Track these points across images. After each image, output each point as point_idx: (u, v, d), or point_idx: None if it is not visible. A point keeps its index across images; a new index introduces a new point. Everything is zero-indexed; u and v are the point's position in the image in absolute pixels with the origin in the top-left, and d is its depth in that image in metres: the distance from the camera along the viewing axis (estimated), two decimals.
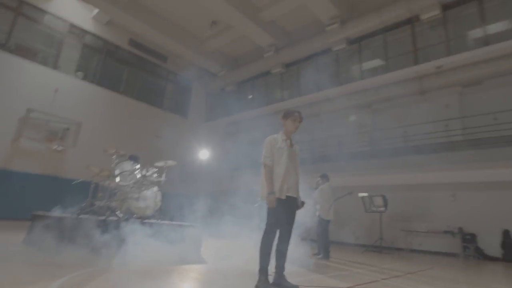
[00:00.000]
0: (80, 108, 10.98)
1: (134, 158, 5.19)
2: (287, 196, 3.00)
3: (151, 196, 4.98)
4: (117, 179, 4.79)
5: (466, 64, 8.94)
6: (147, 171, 5.00)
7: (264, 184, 3.03)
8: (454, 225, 8.68)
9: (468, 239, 8.26)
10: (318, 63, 12.03)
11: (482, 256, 8.01)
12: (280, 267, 3.01)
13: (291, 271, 3.64)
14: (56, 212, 4.70)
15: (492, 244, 8.12)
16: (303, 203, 3.20)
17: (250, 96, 14.43)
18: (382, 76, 10.11)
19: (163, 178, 5.36)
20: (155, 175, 5.20)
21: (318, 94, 11.50)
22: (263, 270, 2.86)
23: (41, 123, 9.92)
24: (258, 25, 11.61)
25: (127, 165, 4.90)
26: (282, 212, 2.97)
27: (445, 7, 9.24)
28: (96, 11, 11.63)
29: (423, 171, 8.29)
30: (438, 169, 8.12)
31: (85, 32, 11.84)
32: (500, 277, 5.60)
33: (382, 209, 8.02)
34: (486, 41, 8.60)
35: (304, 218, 5.43)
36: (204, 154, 13.43)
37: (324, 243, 5.64)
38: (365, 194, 8.62)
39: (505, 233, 7.97)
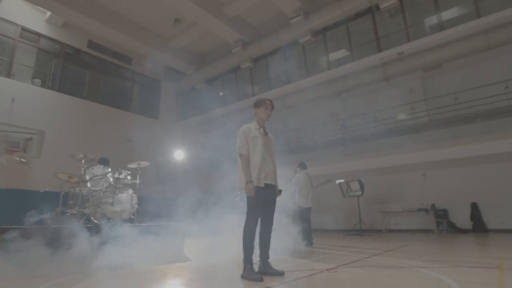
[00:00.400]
0: (41, 116, 10.31)
1: (104, 162, 4.96)
2: (265, 184, 2.99)
3: (126, 199, 4.79)
4: (89, 184, 4.55)
5: (425, 49, 9.36)
6: (120, 174, 4.80)
7: (241, 174, 3.01)
8: (427, 202, 9.13)
9: (441, 215, 8.72)
10: (286, 55, 12.12)
11: (455, 230, 8.48)
12: (264, 255, 3.00)
13: (276, 258, 3.65)
14: (25, 224, 4.38)
15: (462, 218, 8.63)
16: (280, 191, 3.20)
17: (221, 93, 14.30)
18: (348, 65, 10.36)
19: (137, 180, 5.18)
20: (129, 177, 5.00)
21: (288, 86, 11.61)
22: (248, 259, 2.84)
23: (0, 135, 9.23)
24: (223, 21, 11.48)
25: (98, 169, 4.68)
26: (262, 200, 2.96)
27: None
28: (49, 13, 10.96)
29: (394, 153, 8.62)
30: (408, 151, 8.48)
31: (39, 35, 11.14)
32: (470, 245, 5.96)
33: (359, 193, 8.26)
34: (441, 26, 9.05)
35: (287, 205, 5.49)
36: (179, 154, 13.14)
37: (305, 230, 5.70)
38: (341, 181, 8.83)
39: (473, 205, 8.49)
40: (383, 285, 2.54)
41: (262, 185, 2.96)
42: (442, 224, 8.59)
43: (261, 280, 2.67)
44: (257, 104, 3.25)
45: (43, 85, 11.06)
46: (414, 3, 9.79)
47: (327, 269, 3.24)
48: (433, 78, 9.76)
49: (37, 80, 10.95)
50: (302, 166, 6.15)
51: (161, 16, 11.86)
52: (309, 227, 5.86)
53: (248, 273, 2.76)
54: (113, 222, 4.23)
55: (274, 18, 11.66)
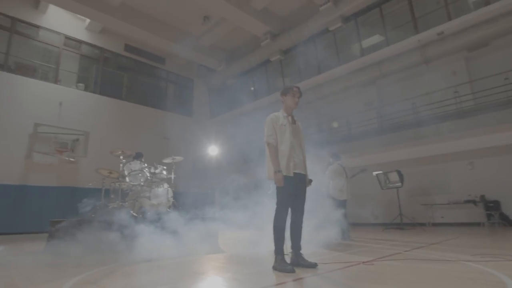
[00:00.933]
0: (85, 118, 11.04)
1: (138, 156, 5.18)
2: (294, 173, 2.91)
3: (163, 193, 4.97)
4: (127, 179, 4.78)
5: (469, 26, 8.61)
6: (156, 169, 4.98)
7: (270, 164, 2.95)
8: (475, 193, 8.46)
9: (492, 207, 8.03)
10: (316, 45, 11.82)
11: (508, 222, 7.78)
12: (296, 246, 2.95)
13: (309, 251, 3.58)
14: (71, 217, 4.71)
15: None
16: (310, 181, 3.11)
17: (252, 88, 14.33)
18: (383, 50, 9.86)
19: (172, 174, 5.34)
20: (164, 172, 5.18)
21: (320, 76, 11.33)
22: (279, 250, 2.80)
23: (50, 136, 10.04)
24: (250, 14, 11.41)
25: (135, 165, 4.89)
26: (291, 190, 2.88)
27: None
28: (88, 20, 11.63)
29: (436, 141, 8.08)
30: (452, 138, 7.90)
31: (80, 42, 11.88)
32: None
33: (399, 184, 7.85)
34: (487, 0, 8.26)
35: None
36: (213, 150, 13.42)
37: (341, 223, 5.53)
38: (379, 172, 8.46)
39: None
40: (424, 278, 2.38)
41: (291, 175, 2.88)
42: (494, 217, 7.91)
43: (293, 271, 2.62)
44: (284, 92, 3.17)
45: (86, 89, 11.81)
46: None
47: (363, 262, 3.11)
48: (479, 58, 8.97)
49: (80, 84, 11.72)
50: (335, 156, 5.97)
51: (191, 15, 12.07)
52: (345, 220, 5.68)
53: (279, 264, 2.72)
54: (150, 215, 4.41)
55: (303, 7, 11.36)
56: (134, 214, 4.50)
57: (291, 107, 3.15)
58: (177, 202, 5.05)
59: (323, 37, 11.71)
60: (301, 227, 3.01)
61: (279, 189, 2.88)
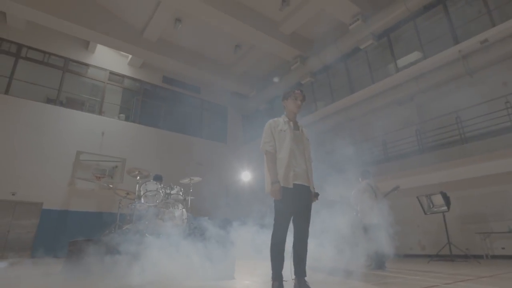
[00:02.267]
0: (125, 146, 11.68)
1: (157, 178, 5.18)
2: (294, 185, 2.56)
3: (178, 215, 4.86)
4: (142, 200, 4.76)
5: None
6: (171, 189, 4.93)
7: (267, 174, 2.67)
8: None
9: None
10: (348, 64, 11.52)
11: None
12: (299, 272, 2.56)
13: (319, 279, 3.15)
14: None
15: None
16: (317, 195, 2.75)
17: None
18: (420, 64, 9.25)
19: (189, 196, 5.24)
20: (181, 193, 5.10)
21: (352, 96, 10.88)
22: (276, 275, 2.45)
23: (92, 164, 10.71)
24: (280, 40, 11.58)
25: (151, 185, 4.88)
26: (291, 204, 2.53)
27: None
28: (130, 56, 12.64)
29: (487, 159, 7.11)
30: (507, 155, 6.90)
31: (123, 77, 12.89)
32: None
33: (444, 208, 6.93)
34: None
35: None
36: (246, 175, 13.30)
37: (371, 251, 4.92)
38: (422, 195, 7.60)
39: None
40: None
41: (291, 186, 2.55)
42: None
43: None
44: (285, 96, 2.95)
45: (127, 119, 12.61)
46: None
47: None
48: None
49: (122, 115, 12.56)
50: (365, 175, 5.45)
51: (223, 45, 12.58)
52: (377, 247, 5.05)
53: None
54: (163, 237, 4.29)
55: (332, 28, 11.25)
56: (147, 235, 4.41)
57: (293, 112, 2.90)
58: (193, 225, 4.88)
59: (355, 57, 11.42)
60: (305, 249, 2.63)
61: (276, 203, 2.55)
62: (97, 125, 11.50)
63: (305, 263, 2.60)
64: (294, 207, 2.57)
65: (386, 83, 10.19)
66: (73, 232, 9.78)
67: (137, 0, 10.40)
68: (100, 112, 12.01)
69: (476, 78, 8.75)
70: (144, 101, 13.33)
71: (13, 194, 9.46)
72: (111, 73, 12.60)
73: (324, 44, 11.55)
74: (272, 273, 2.47)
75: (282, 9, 10.52)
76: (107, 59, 12.50)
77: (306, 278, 2.56)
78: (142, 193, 4.80)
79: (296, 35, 11.92)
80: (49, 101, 11.03)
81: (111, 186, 10.72)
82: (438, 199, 7.01)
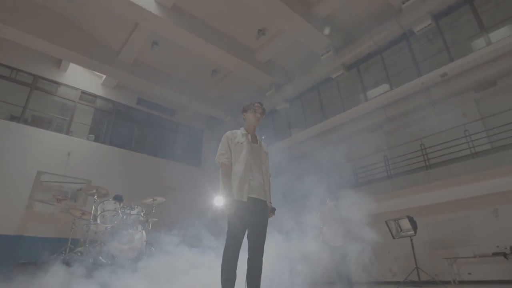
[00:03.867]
0: (92, 167, 11.17)
1: (117, 198, 4.91)
2: (249, 198, 2.48)
3: (137, 238, 4.58)
4: (98, 220, 4.47)
5: (472, 67, 8.41)
6: (132, 209, 4.67)
7: (222, 187, 2.58)
8: (504, 244, 7.37)
9: None
10: (320, 93, 11.92)
11: None
12: None
13: None
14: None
15: None
16: (274, 210, 2.67)
17: (263, 137, 14.30)
18: (386, 95, 9.71)
19: (151, 218, 4.99)
20: (142, 213, 4.84)
21: (325, 123, 11.18)
22: None
23: (55, 186, 10.12)
24: (256, 67, 11.86)
25: (109, 205, 4.61)
26: (245, 218, 2.42)
27: (437, 17, 9.03)
28: (104, 77, 12.46)
29: (450, 185, 7.37)
30: (467, 180, 7.18)
31: (95, 97, 12.60)
32: None
33: (411, 232, 7.00)
34: (488, 41, 8.16)
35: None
36: (218, 200, 12.97)
37: (340, 274, 4.81)
38: (390, 219, 7.67)
39: None
40: None
41: (245, 199, 2.46)
42: None
43: None
44: (245, 109, 2.95)
45: (96, 139, 12.16)
46: (452, 24, 9.14)
47: None
48: (489, 98, 8.57)
49: (91, 135, 12.11)
50: (332, 197, 5.45)
51: (200, 69, 12.69)
52: (344, 271, 4.95)
53: None
54: (116, 261, 3.99)
55: (305, 57, 11.70)
56: (101, 259, 4.09)
57: (253, 124, 2.89)
58: (152, 247, 4.60)
59: (327, 85, 11.86)
60: (260, 268, 2.49)
61: (229, 217, 2.44)
62: (64, 145, 10.99)
63: (260, 283, 2.46)
64: (248, 222, 2.47)
65: (356, 111, 10.57)
66: (25, 259, 8.99)
67: (113, 22, 10.41)
68: (68, 132, 11.54)
69: (439, 108, 9.26)
70: (116, 122, 13.00)
71: None
72: (83, 92, 12.29)
73: (298, 72, 11.96)
74: None
75: (258, 38, 10.90)
76: (80, 78, 12.23)
77: None
78: (98, 212, 4.50)
79: (271, 63, 12.27)
80: (12, 118, 10.50)
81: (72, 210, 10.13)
82: (405, 223, 7.09)
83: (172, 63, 12.41)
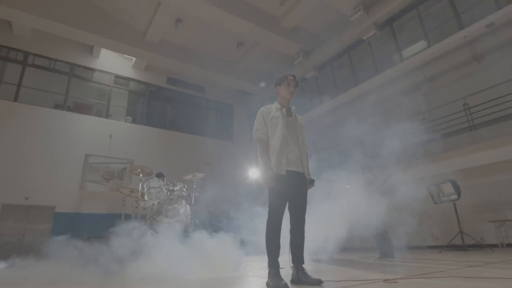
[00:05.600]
0: (133, 148, 11.80)
1: (160, 175, 5.21)
2: (288, 171, 2.53)
3: (182, 212, 4.88)
4: (146, 197, 4.80)
5: None
6: (174, 186, 4.95)
7: (261, 163, 2.64)
8: None
9: None
10: (351, 57, 11.38)
11: None
12: (297, 259, 2.54)
13: (321, 268, 3.12)
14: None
15: None
16: (312, 181, 2.72)
17: (293, 107, 14.14)
18: (423, 53, 9.05)
19: (192, 191, 5.26)
20: (184, 189, 5.12)
21: (357, 88, 10.75)
22: (272, 262, 2.43)
23: (101, 166, 10.89)
24: (282, 35, 11.50)
25: (153, 182, 4.91)
26: (285, 191, 2.50)
27: None
28: (134, 59, 12.77)
29: (497, 145, 6.91)
30: None
31: (128, 79, 13.03)
32: None
33: (454, 196, 6.77)
34: None
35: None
36: (253, 172, 13.27)
37: (380, 240, 4.85)
38: (430, 184, 7.44)
39: None
40: None
41: (284, 173, 2.51)
42: None
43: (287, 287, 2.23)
44: (278, 82, 2.92)
45: (133, 121, 12.75)
46: None
47: (385, 280, 2.56)
48: None
49: (128, 117, 12.70)
50: (365, 167, 5.38)
51: (225, 43, 12.56)
52: (384, 236, 4.98)
53: (272, 280, 2.35)
54: (165, 233, 4.31)
55: (333, 20, 11.11)
56: (152, 232, 4.44)
57: (286, 98, 2.88)
58: (197, 221, 4.89)
59: (358, 48, 11.27)
60: (303, 237, 2.61)
61: (270, 191, 2.53)
62: (105, 128, 11.65)
63: (303, 251, 2.57)
64: (288, 194, 2.54)
65: (390, 73, 10.02)
66: (85, 233, 9.97)
67: (137, 3, 10.48)
68: (107, 115, 12.17)
69: (484, 64, 8.52)
70: (150, 103, 13.46)
71: (26, 199, 9.67)
72: (116, 76, 12.76)
73: (327, 37, 11.43)
74: (268, 261, 2.45)
75: (282, 3, 10.45)
76: (112, 62, 12.65)
77: (304, 266, 2.53)
78: (145, 190, 4.83)
79: (297, 30, 11.82)
80: (56, 106, 11.24)
81: (119, 187, 10.90)
82: (448, 188, 6.85)
83: (197, 40, 12.37)
